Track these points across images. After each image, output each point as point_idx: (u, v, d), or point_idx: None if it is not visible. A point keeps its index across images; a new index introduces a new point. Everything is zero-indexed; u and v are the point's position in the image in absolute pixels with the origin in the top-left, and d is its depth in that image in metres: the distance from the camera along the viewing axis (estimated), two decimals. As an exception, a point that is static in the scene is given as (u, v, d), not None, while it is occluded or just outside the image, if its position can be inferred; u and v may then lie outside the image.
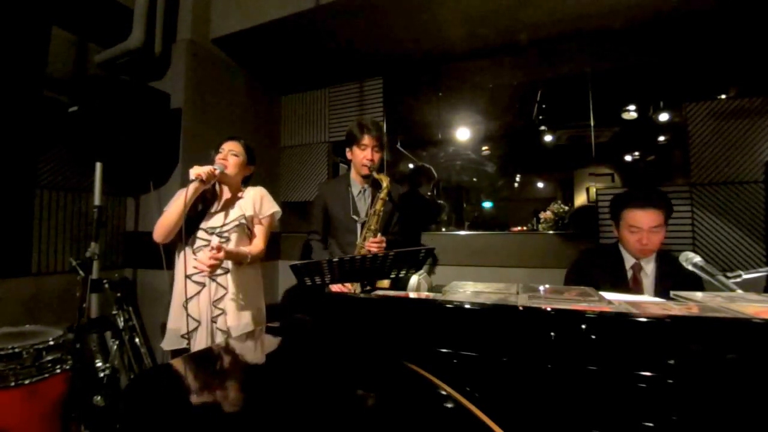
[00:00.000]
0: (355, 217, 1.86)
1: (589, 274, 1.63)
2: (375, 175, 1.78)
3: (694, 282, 1.47)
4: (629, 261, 1.59)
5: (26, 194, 2.04)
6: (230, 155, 1.66)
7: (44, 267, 2.10)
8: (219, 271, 1.55)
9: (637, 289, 1.58)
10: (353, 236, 1.84)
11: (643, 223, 1.48)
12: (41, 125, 2.06)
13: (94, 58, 2.25)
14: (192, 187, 1.49)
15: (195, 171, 1.50)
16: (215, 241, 1.57)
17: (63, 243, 2.18)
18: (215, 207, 1.66)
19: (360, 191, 1.91)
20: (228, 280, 1.58)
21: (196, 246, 1.58)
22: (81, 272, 1.82)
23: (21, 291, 1.99)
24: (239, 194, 1.72)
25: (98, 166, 2.02)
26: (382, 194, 1.74)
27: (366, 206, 1.88)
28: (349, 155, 1.91)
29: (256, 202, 1.69)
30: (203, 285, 1.57)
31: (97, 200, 1.99)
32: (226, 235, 1.60)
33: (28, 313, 1.96)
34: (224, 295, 1.57)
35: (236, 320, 1.58)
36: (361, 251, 1.73)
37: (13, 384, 1.46)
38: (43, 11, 2.06)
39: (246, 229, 1.65)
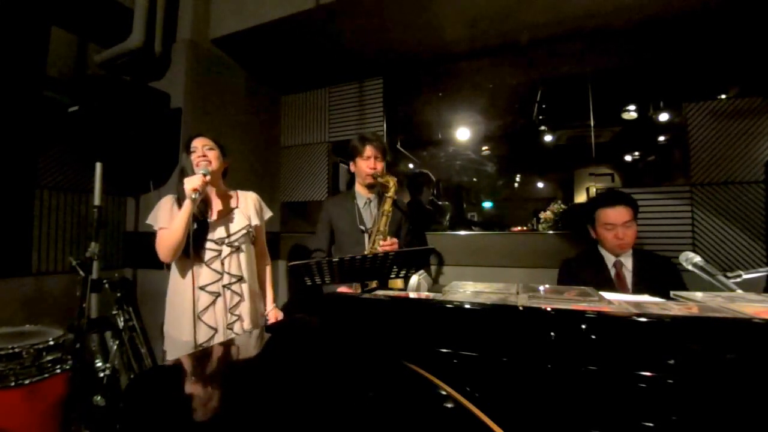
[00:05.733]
0: (361, 227, 1.84)
1: (577, 276, 1.73)
2: (380, 179, 1.77)
3: (671, 274, 1.62)
4: (610, 260, 1.70)
5: (26, 194, 2.04)
6: (206, 150, 1.60)
7: (44, 267, 2.10)
8: (233, 280, 1.58)
9: (621, 284, 1.67)
10: (361, 248, 1.80)
11: (616, 219, 1.63)
12: (41, 125, 2.06)
13: (94, 58, 2.25)
14: (189, 202, 1.44)
15: (191, 185, 1.44)
16: (227, 250, 1.58)
17: (63, 243, 2.18)
18: (213, 215, 1.61)
19: (366, 202, 1.89)
20: (242, 288, 1.61)
21: (207, 258, 1.55)
22: (81, 272, 1.82)
23: (21, 291, 1.99)
24: (227, 197, 1.68)
25: (98, 166, 2.01)
26: (390, 193, 1.73)
27: (372, 216, 1.86)
28: (353, 168, 1.92)
29: (257, 209, 1.71)
30: (218, 294, 1.55)
31: (97, 200, 1.98)
32: (236, 244, 1.60)
33: (28, 313, 1.96)
34: (239, 301, 1.59)
35: (251, 325, 1.61)
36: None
37: (13, 384, 1.46)
38: (43, 11, 2.07)
39: (252, 237, 1.70)
